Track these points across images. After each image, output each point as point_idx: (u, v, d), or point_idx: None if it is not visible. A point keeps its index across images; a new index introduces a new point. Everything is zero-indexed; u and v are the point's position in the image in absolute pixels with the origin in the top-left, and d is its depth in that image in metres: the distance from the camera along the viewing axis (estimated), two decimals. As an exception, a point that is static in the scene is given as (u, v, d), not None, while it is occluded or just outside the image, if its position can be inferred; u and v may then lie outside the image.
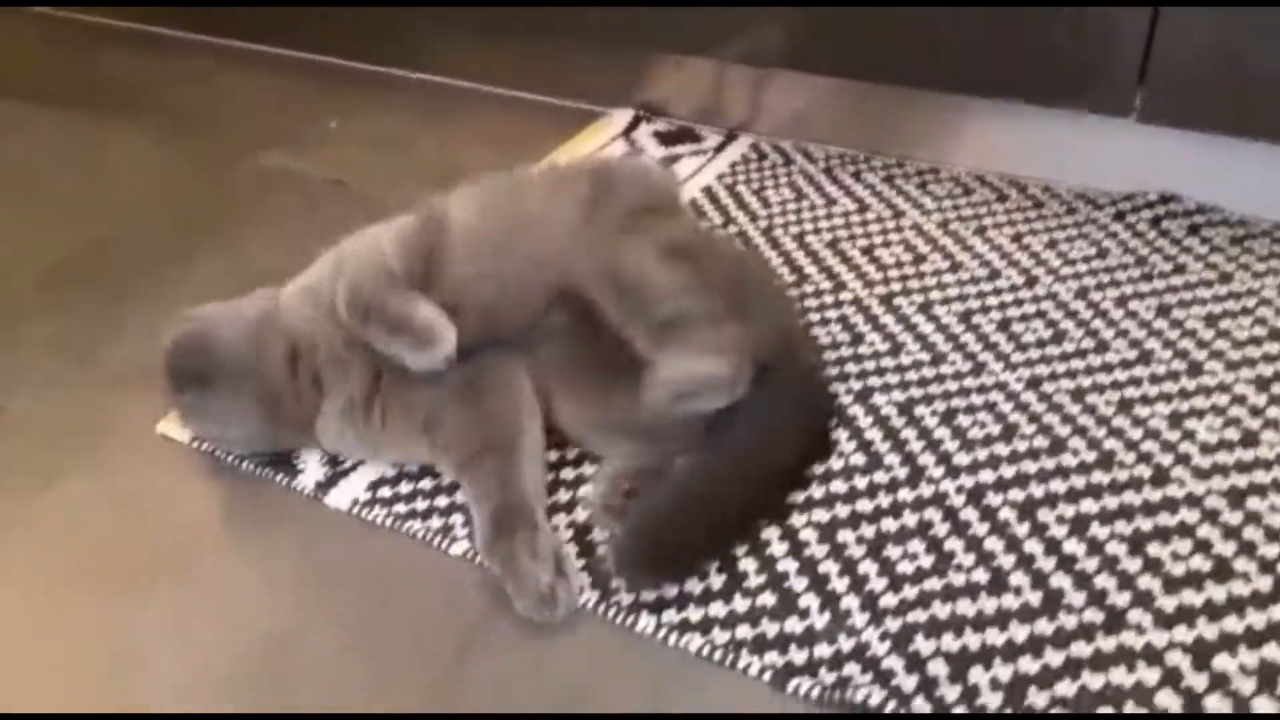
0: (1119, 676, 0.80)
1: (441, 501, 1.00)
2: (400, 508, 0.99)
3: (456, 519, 0.98)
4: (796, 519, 0.94)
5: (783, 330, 1.04)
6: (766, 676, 0.83)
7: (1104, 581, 0.87)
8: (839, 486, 0.97)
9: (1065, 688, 0.79)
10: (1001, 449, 0.99)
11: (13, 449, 1.12)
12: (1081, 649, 0.82)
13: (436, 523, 0.98)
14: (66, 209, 1.54)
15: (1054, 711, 0.78)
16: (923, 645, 0.83)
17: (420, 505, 1.00)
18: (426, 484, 1.02)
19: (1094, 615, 0.84)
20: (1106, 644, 0.82)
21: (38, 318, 1.31)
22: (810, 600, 0.88)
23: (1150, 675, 0.80)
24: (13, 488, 1.07)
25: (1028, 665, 0.81)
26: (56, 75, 1.97)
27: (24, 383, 1.20)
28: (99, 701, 0.86)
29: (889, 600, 0.87)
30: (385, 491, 1.02)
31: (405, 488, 1.02)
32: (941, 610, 0.86)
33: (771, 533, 0.93)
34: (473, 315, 0.98)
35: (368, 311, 0.94)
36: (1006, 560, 0.89)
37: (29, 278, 1.38)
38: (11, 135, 1.77)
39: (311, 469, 1.04)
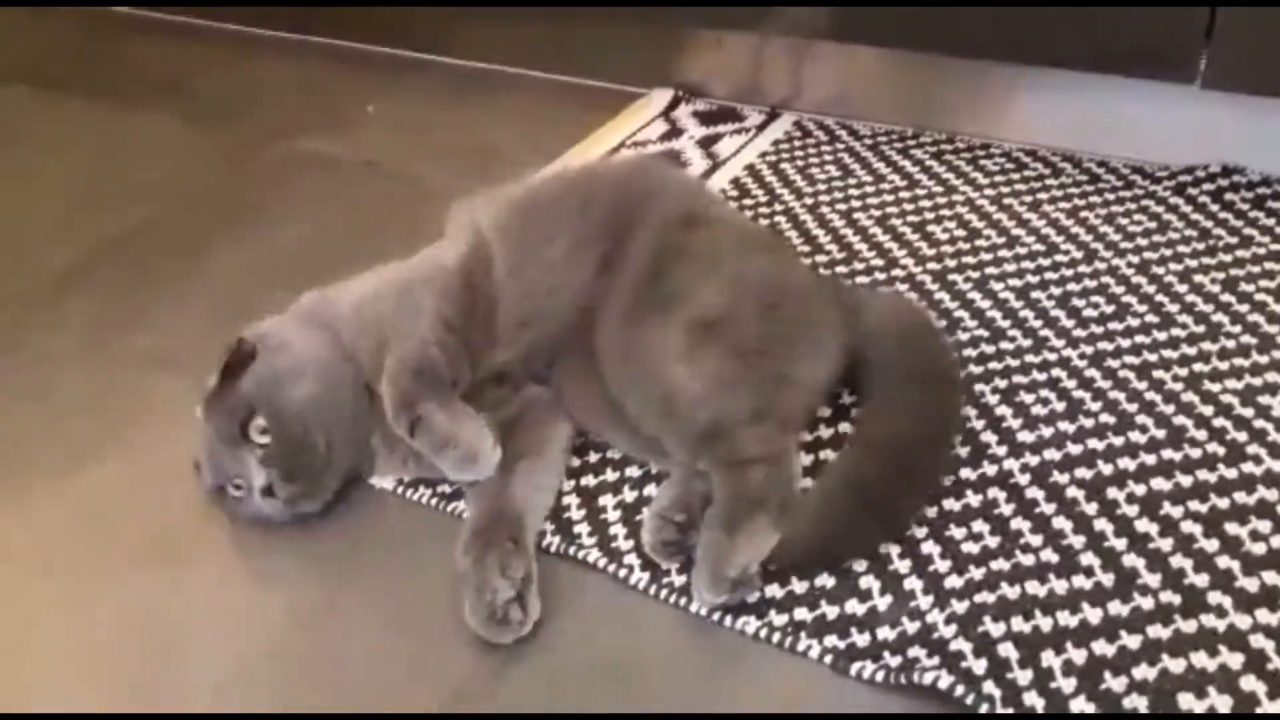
0: (1201, 660, 0.76)
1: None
2: (445, 487, 0.96)
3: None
4: (854, 498, 0.91)
5: (854, 322, 0.98)
6: (827, 660, 0.79)
7: (1180, 562, 0.83)
8: (897, 465, 0.93)
9: (1144, 671, 0.75)
10: (1067, 426, 0.96)
11: (46, 430, 1.10)
12: (1159, 631, 0.78)
13: (481, 504, 0.95)
14: (98, 194, 1.53)
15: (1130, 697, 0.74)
16: (992, 627, 0.79)
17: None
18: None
19: (1171, 597, 0.80)
20: (1186, 626, 0.78)
21: (70, 301, 1.29)
22: (871, 582, 0.84)
23: (1234, 659, 0.76)
24: (48, 468, 1.05)
25: (1103, 648, 0.77)
26: (89, 65, 1.97)
27: (56, 364, 1.19)
28: (150, 679, 0.85)
29: (954, 582, 0.83)
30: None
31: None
32: (1010, 591, 0.82)
33: (828, 513, 0.90)
34: (515, 363, 0.99)
35: (413, 426, 0.91)
36: (1076, 540, 0.85)
37: (62, 261, 1.37)
38: (45, 124, 1.77)
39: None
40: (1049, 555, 0.84)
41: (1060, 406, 0.98)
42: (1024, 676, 0.76)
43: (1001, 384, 1.01)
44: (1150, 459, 0.92)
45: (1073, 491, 0.89)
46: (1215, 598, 0.80)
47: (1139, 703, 0.73)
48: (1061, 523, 0.87)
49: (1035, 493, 0.90)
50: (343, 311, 0.99)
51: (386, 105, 1.68)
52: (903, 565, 0.85)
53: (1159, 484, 0.89)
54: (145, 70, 1.90)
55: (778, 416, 0.90)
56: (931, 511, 0.89)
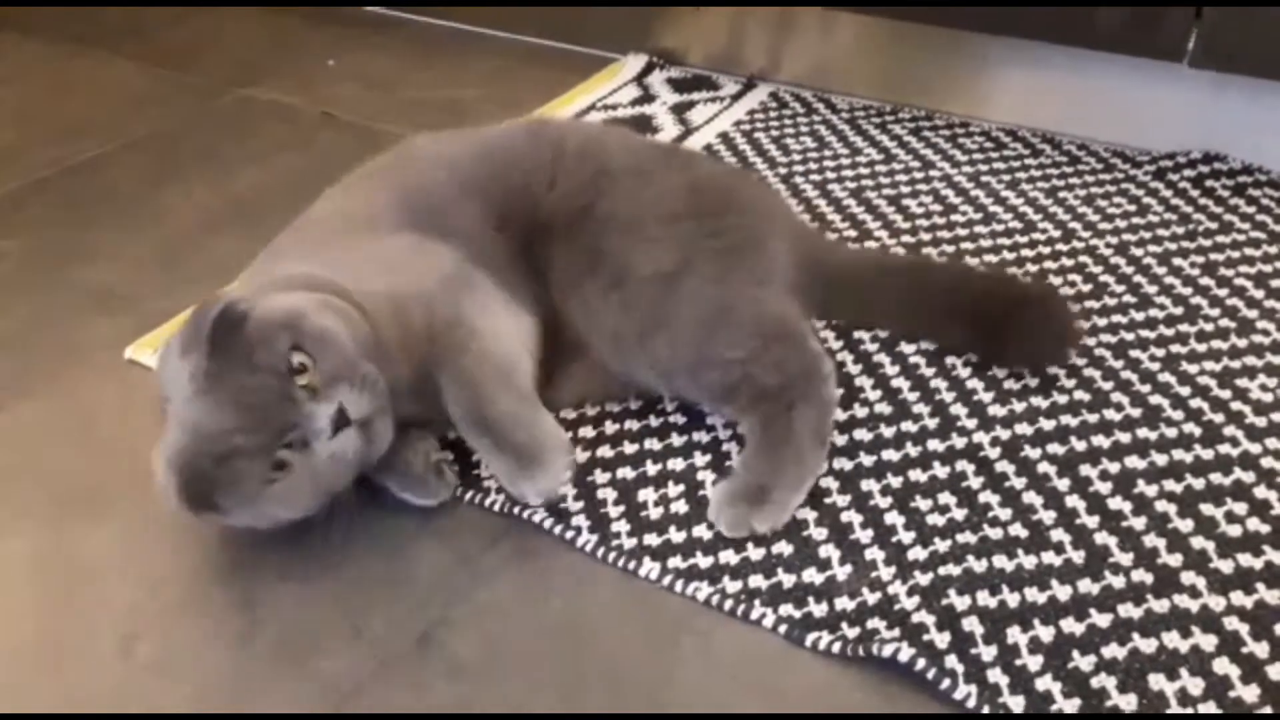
0: (1173, 641, 0.72)
1: (430, 437, 0.92)
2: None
3: (448, 456, 0.90)
4: (816, 466, 0.87)
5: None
6: (781, 629, 0.75)
7: (1153, 541, 0.79)
8: (863, 435, 0.89)
9: (1113, 650, 0.72)
10: (1040, 401, 0.92)
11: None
12: (1130, 610, 0.74)
13: (424, 459, 0.90)
14: (44, 131, 1.46)
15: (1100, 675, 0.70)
16: (956, 601, 0.75)
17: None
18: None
19: (1143, 576, 0.77)
20: (1158, 606, 0.74)
21: (10, 233, 1.23)
22: (830, 551, 0.80)
23: (1207, 641, 0.72)
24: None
25: (1071, 626, 0.73)
26: (43, 4, 1.88)
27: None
28: (45, 616, 0.80)
29: (918, 553, 0.79)
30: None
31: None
32: (977, 565, 0.78)
33: (789, 479, 0.86)
34: None
35: (489, 426, 0.83)
36: (1046, 515, 0.82)
37: (6, 194, 1.30)
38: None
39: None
40: (1018, 530, 0.81)
41: (1034, 382, 0.94)
42: (988, 652, 0.72)
43: (974, 356, 0.97)
44: (1125, 437, 0.88)
45: (1044, 467, 0.86)
46: (1189, 578, 0.76)
47: (1108, 682, 0.70)
48: (1032, 498, 0.83)
49: (1005, 467, 0.86)
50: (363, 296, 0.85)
51: (350, 60, 1.63)
52: (864, 535, 0.81)
53: (1133, 462, 0.86)
54: (101, 13, 1.82)
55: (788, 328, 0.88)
56: (896, 482, 0.85)
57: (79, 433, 0.95)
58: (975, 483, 0.85)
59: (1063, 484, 0.84)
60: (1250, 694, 0.69)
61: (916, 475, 0.86)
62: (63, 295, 1.12)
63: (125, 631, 0.77)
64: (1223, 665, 0.71)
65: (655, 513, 0.84)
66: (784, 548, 0.80)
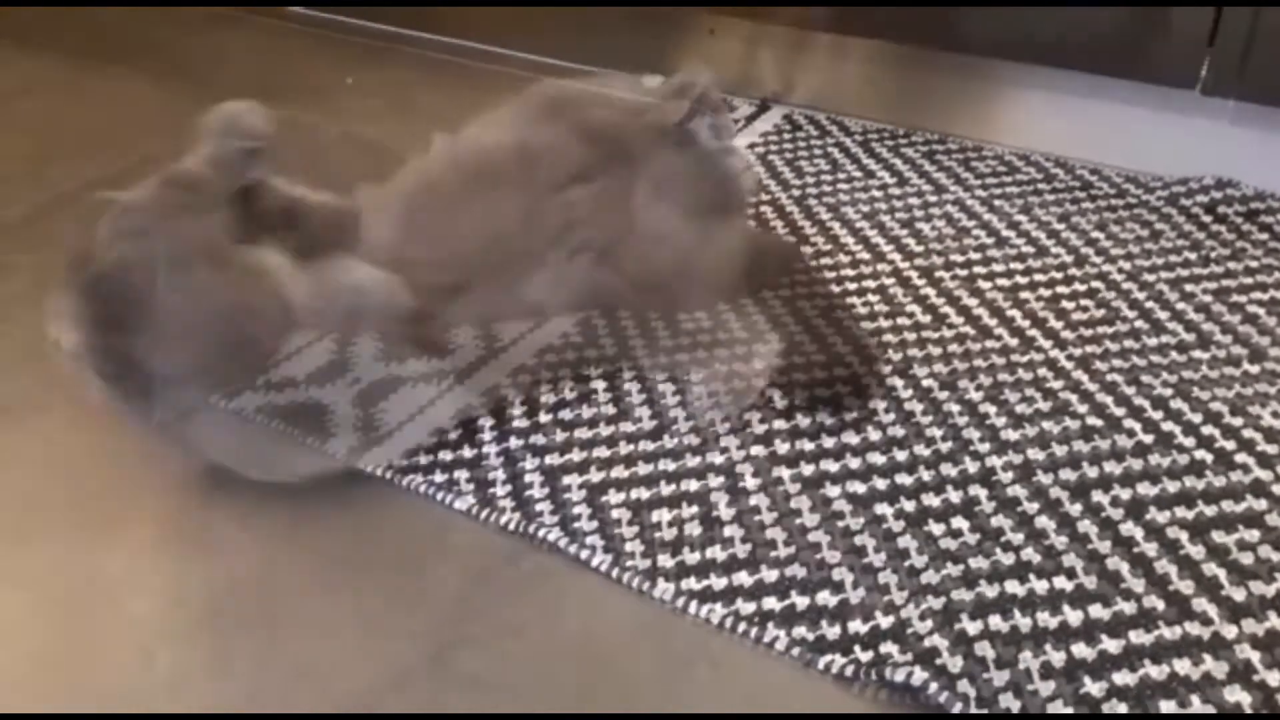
0: (1184, 668, 0.73)
1: (446, 455, 0.93)
2: (401, 461, 0.92)
3: (461, 474, 0.91)
4: (830, 489, 0.87)
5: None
6: (795, 652, 0.75)
7: (1165, 567, 0.80)
8: (877, 458, 0.90)
9: (1124, 677, 0.72)
10: (1052, 427, 0.92)
11: (-2, 380, 1.05)
12: (1142, 637, 0.75)
13: (440, 477, 0.91)
14: (60, 149, 1.47)
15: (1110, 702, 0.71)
16: (969, 625, 0.76)
17: (423, 459, 0.92)
18: (432, 438, 0.95)
19: (1155, 602, 0.77)
20: (1170, 633, 0.75)
21: (32, 248, 1.24)
22: (844, 574, 0.80)
23: (1219, 668, 0.72)
24: (-8, 419, 1.00)
25: (1083, 651, 0.74)
26: (58, 22, 1.91)
27: (10, 315, 1.13)
28: (73, 637, 0.80)
29: (931, 577, 0.80)
30: (387, 443, 0.95)
31: (408, 440, 0.95)
32: (989, 589, 0.78)
33: (802, 501, 0.86)
34: None
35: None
36: (1059, 540, 0.82)
37: (17, 212, 1.32)
38: (7, 77, 1.71)
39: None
40: (1030, 554, 0.81)
41: (1046, 407, 0.95)
42: (1000, 677, 0.72)
43: (986, 381, 0.98)
44: (1137, 463, 0.89)
45: (1056, 492, 0.86)
46: (1200, 605, 0.77)
47: (1119, 709, 0.70)
48: (1044, 522, 0.84)
49: (1018, 491, 0.86)
50: None
51: (368, 78, 1.64)
52: (878, 558, 0.81)
53: (1145, 489, 0.86)
54: (117, 32, 1.84)
55: None
56: (910, 505, 0.86)
57: (96, 446, 0.96)
58: (988, 507, 0.85)
59: (1075, 509, 0.85)
60: (1262, 722, 0.69)
61: (930, 499, 0.86)
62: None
63: (144, 646, 0.78)
64: (1234, 693, 0.71)
65: (669, 534, 0.84)
66: (798, 570, 0.81)
